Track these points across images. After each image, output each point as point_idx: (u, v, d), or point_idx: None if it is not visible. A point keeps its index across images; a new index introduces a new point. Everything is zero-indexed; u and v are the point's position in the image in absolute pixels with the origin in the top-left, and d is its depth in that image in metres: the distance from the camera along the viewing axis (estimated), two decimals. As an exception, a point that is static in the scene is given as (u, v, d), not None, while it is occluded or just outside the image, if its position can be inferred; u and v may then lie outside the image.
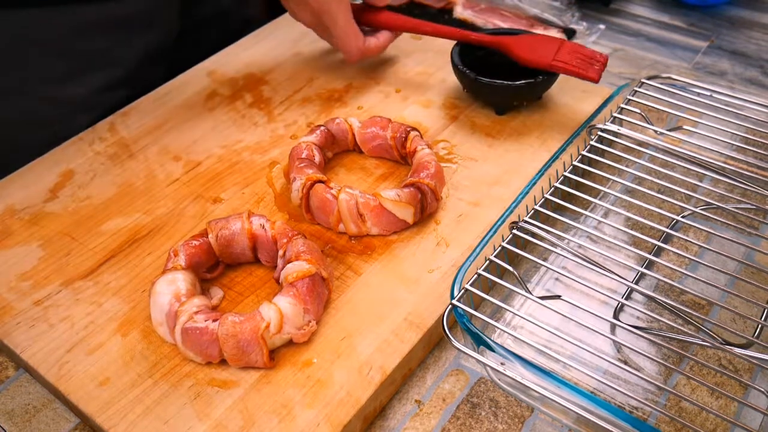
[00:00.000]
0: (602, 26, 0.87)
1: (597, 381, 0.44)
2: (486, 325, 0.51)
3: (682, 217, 0.57)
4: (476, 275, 0.49)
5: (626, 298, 0.53)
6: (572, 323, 0.47)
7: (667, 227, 0.54)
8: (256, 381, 0.47)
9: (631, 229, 0.53)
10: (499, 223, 0.52)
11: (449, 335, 0.45)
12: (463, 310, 0.46)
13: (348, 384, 0.47)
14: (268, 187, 0.62)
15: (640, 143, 0.61)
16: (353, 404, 0.46)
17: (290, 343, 0.49)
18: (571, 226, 0.54)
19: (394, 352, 0.48)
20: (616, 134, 0.61)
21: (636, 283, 0.52)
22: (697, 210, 0.58)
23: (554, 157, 0.58)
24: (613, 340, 0.50)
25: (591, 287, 0.50)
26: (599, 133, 0.61)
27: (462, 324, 0.45)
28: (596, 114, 0.62)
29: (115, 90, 0.72)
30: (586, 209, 0.55)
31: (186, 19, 0.78)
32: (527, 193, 0.54)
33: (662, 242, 0.53)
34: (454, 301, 0.47)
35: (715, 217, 0.57)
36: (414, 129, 0.62)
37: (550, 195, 0.56)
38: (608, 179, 0.59)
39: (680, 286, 0.49)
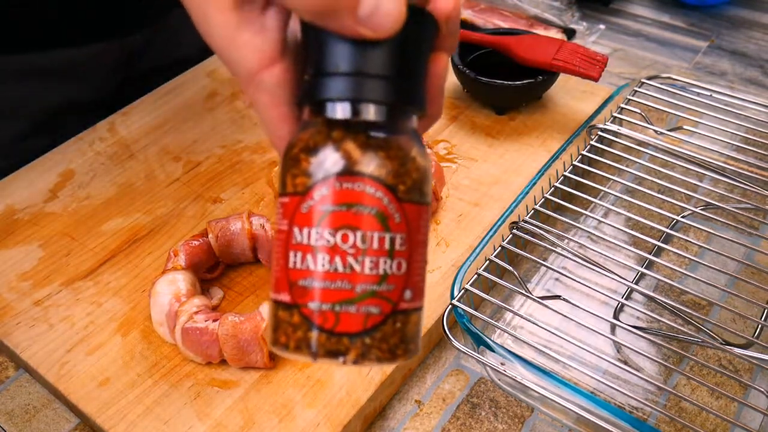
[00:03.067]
0: (602, 26, 0.87)
1: (597, 381, 0.44)
2: (486, 325, 0.51)
3: (682, 217, 0.57)
4: (476, 275, 0.49)
5: (626, 298, 0.53)
6: (572, 323, 0.47)
7: (667, 227, 0.54)
8: (256, 381, 0.47)
9: (631, 229, 0.53)
10: (499, 223, 0.52)
11: (449, 335, 0.45)
12: (463, 310, 0.46)
13: (348, 384, 0.47)
14: (268, 187, 0.62)
15: (640, 143, 0.61)
16: (353, 404, 0.46)
17: (290, 343, 0.49)
18: (571, 226, 0.54)
19: (394, 352, 0.48)
20: (616, 134, 0.61)
21: (636, 283, 0.52)
22: (697, 210, 0.58)
23: (554, 157, 0.58)
24: (613, 341, 0.50)
25: (591, 287, 0.50)
26: (599, 133, 0.61)
27: (462, 324, 0.45)
28: (596, 114, 0.62)
29: (35, 137, 0.68)
30: (586, 209, 0.55)
31: (134, 68, 0.74)
32: (527, 193, 0.54)
33: (662, 242, 0.53)
34: (454, 302, 0.47)
35: (715, 217, 0.57)
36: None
37: (550, 195, 0.56)
38: (608, 179, 0.59)
39: (680, 287, 0.49)
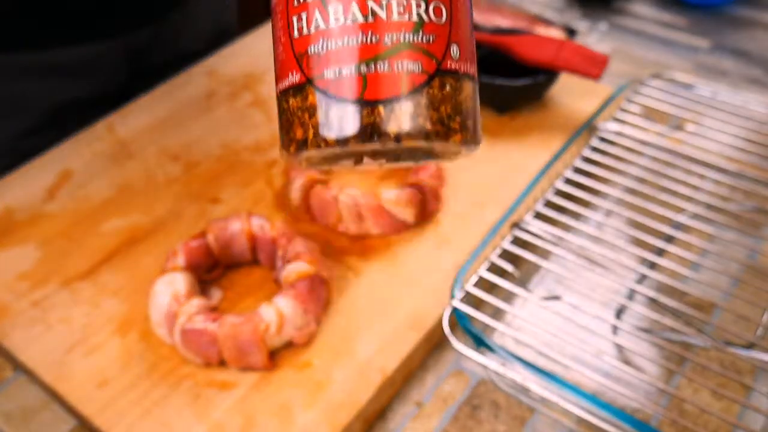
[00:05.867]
0: (604, 26, 0.87)
1: (598, 383, 0.44)
2: (486, 326, 0.50)
3: (684, 217, 0.56)
4: (477, 276, 0.49)
5: (628, 299, 0.52)
6: (573, 324, 0.47)
7: (669, 228, 0.54)
8: (256, 382, 0.47)
9: (633, 230, 0.53)
10: (499, 223, 0.51)
11: (450, 336, 0.45)
12: (464, 311, 0.46)
13: (348, 385, 0.46)
14: (268, 188, 0.62)
15: (642, 143, 0.61)
16: (353, 406, 0.45)
17: (290, 344, 0.49)
18: (572, 226, 0.54)
19: (394, 353, 0.48)
20: (617, 134, 0.61)
21: (638, 284, 0.52)
22: (699, 211, 0.58)
23: (555, 157, 0.57)
24: (615, 342, 0.50)
25: (592, 288, 0.50)
26: (601, 133, 0.61)
27: (463, 325, 0.45)
28: (598, 114, 0.62)
29: (40, 135, 0.68)
30: (587, 210, 0.54)
31: (138, 64, 0.74)
32: (528, 193, 0.54)
33: (664, 243, 0.53)
34: (455, 302, 0.46)
35: (718, 218, 0.57)
36: (414, 129, 0.62)
37: (552, 195, 0.55)
38: (610, 179, 0.58)
39: (682, 288, 0.49)
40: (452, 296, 0.47)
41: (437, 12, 0.22)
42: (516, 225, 0.52)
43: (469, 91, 0.24)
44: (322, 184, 0.57)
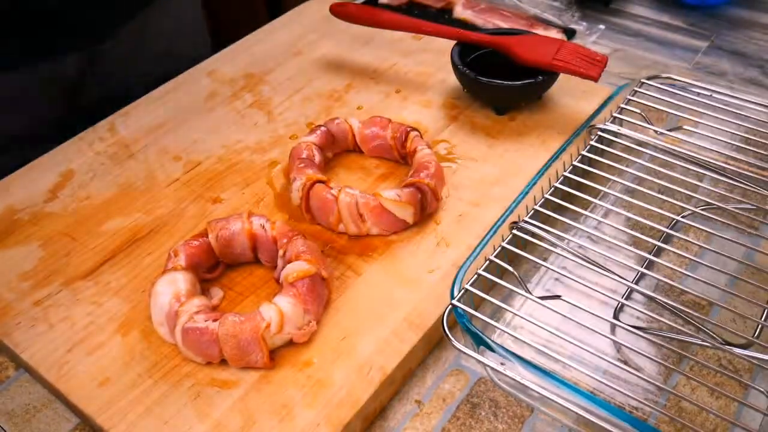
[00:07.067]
0: (602, 26, 0.87)
1: (597, 381, 0.44)
2: (486, 325, 0.50)
3: (682, 217, 0.57)
4: (476, 275, 0.49)
5: (626, 299, 0.53)
6: (572, 323, 0.47)
7: (667, 227, 0.54)
8: (256, 381, 0.47)
9: (631, 229, 0.53)
10: (499, 223, 0.52)
11: (449, 335, 0.45)
12: (463, 310, 0.46)
13: (348, 384, 0.47)
14: (268, 187, 0.62)
15: (640, 143, 0.61)
16: (353, 404, 0.46)
17: (290, 343, 0.49)
18: (571, 226, 0.54)
19: (394, 352, 0.48)
20: (616, 134, 0.61)
21: (636, 283, 0.52)
22: (698, 210, 0.58)
23: (554, 157, 0.58)
24: (613, 341, 0.50)
25: (591, 287, 0.50)
26: (599, 133, 0.61)
27: (462, 324, 0.45)
28: (596, 114, 0.62)
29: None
30: (586, 209, 0.55)
31: (78, 100, 0.72)
32: (527, 193, 0.54)
33: (662, 242, 0.53)
34: (454, 302, 0.47)
35: (716, 218, 0.57)
36: (414, 129, 0.62)
37: (550, 195, 0.56)
38: (608, 179, 0.59)
39: (680, 287, 0.49)
40: (452, 295, 0.47)
41: None
42: (515, 224, 0.52)
43: None
44: (322, 184, 0.57)
